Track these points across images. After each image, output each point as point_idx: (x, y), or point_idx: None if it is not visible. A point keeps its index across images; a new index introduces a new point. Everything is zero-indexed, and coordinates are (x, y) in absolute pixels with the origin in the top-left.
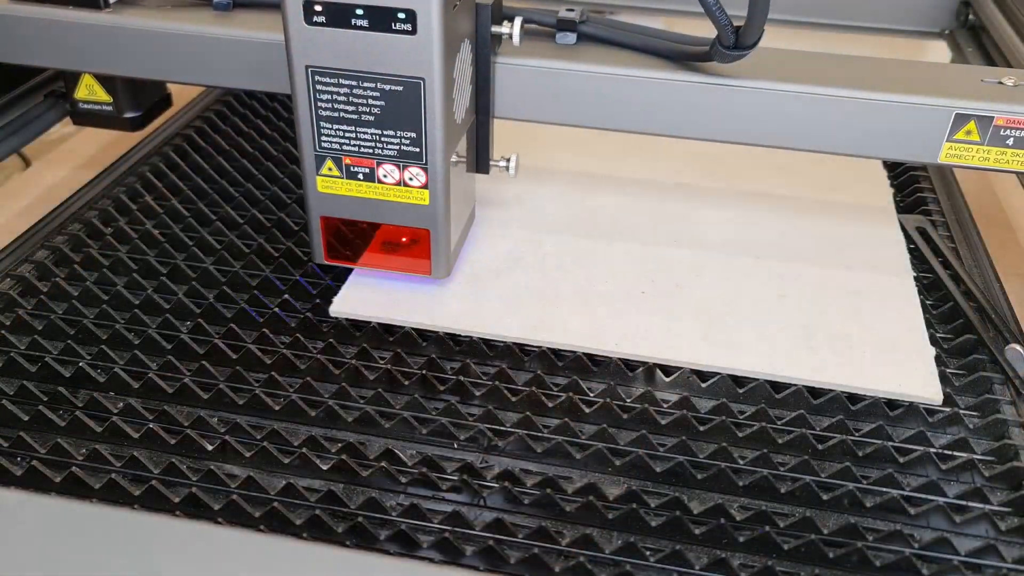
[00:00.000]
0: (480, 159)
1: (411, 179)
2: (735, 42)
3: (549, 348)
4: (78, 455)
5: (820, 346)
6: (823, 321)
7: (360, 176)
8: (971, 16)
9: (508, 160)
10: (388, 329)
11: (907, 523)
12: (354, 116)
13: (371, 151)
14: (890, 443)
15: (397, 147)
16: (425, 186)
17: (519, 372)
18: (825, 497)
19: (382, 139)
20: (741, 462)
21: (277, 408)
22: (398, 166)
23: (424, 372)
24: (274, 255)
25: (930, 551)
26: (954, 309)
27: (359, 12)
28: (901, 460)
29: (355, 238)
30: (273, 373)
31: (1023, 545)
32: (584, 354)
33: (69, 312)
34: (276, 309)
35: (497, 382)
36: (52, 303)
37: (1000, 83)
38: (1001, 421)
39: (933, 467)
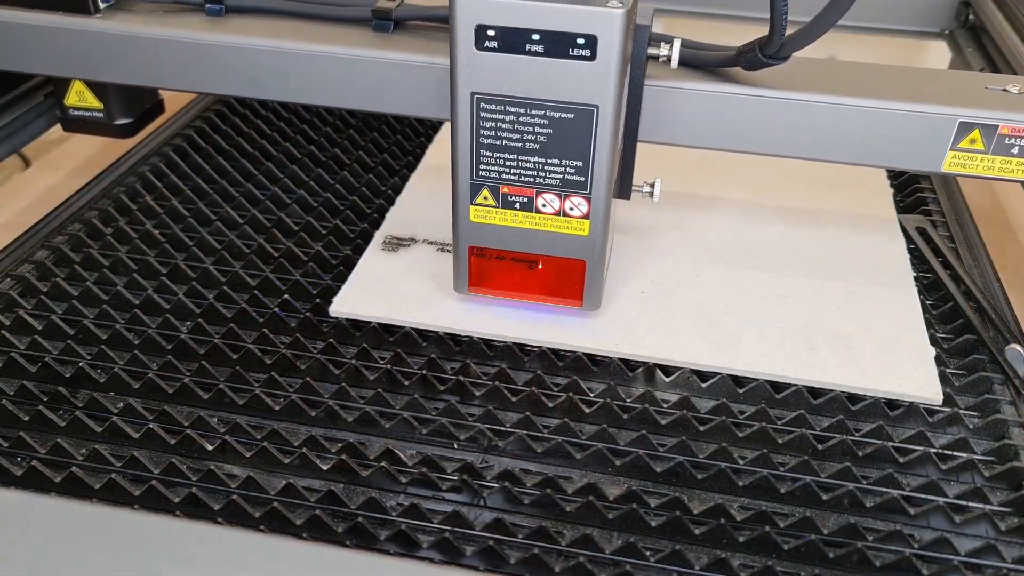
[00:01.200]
0: (623, 184)
1: (572, 209)
2: (776, 52)
3: (549, 348)
4: (78, 455)
5: (820, 346)
6: (823, 321)
7: (517, 206)
8: (971, 16)
9: (652, 185)
10: (388, 329)
11: (907, 523)
12: (518, 144)
13: (532, 180)
14: (890, 443)
15: (560, 176)
16: (586, 216)
17: (519, 372)
18: (825, 497)
19: (545, 168)
20: (741, 462)
21: (277, 408)
22: (559, 195)
23: (424, 372)
24: (274, 255)
25: (930, 551)
26: (954, 309)
27: (535, 37)
28: (901, 460)
29: (502, 268)
30: (273, 373)
31: (1023, 545)
32: (584, 354)
33: (69, 312)
34: (276, 309)
35: (497, 382)
36: (52, 303)
37: (1005, 90)
38: (1001, 421)
39: (933, 467)
